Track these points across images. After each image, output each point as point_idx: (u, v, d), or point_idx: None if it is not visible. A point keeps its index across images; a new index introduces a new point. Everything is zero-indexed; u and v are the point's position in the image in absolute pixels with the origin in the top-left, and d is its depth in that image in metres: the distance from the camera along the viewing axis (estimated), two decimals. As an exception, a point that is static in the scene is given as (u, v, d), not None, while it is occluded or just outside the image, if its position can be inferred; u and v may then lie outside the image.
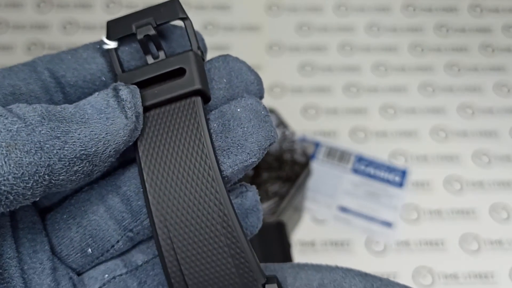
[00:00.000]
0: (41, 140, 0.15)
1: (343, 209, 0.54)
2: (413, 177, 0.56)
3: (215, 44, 0.64)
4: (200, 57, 0.19)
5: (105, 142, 0.16)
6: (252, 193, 0.19)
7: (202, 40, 0.20)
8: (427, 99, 0.61)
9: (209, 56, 0.20)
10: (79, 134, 0.16)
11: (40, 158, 0.15)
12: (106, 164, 0.17)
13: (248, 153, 0.18)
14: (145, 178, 0.18)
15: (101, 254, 0.19)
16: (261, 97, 0.20)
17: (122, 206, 0.19)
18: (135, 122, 0.17)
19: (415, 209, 0.55)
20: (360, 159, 0.56)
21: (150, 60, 0.19)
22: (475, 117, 0.60)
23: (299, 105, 0.61)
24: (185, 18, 0.19)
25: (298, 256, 0.52)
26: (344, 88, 0.62)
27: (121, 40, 0.19)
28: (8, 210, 0.15)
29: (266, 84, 0.21)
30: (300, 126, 0.58)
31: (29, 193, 0.15)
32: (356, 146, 0.58)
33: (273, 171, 0.46)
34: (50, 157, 0.15)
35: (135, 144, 0.18)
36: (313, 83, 0.62)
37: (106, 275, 0.19)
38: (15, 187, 0.15)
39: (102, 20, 0.65)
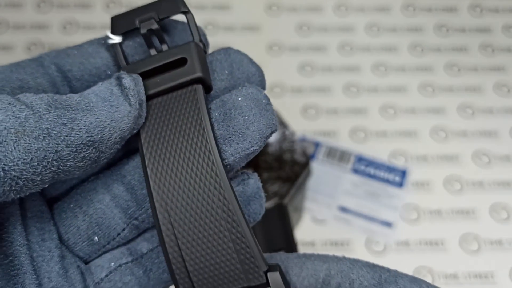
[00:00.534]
0: (49, 127, 0.16)
1: (343, 209, 0.54)
2: (413, 177, 0.56)
3: (215, 44, 0.64)
4: (202, 49, 0.20)
5: (111, 129, 0.17)
6: (254, 180, 0.20)
7: (204, 35, 0.21)
8: (427, 99, 0.61)
9: (209, 56, 0.20)
10: (85, 121, 0.16)
11: (48, 144, 0.16)
12: (112, 151, 0.18)
13: (249, 141, 0.18)
14: (146, 163, 0.18)
15: (107, 243, 0.20)
16: (263, 88, 0.20)
17: (127, 195, 0.19)
18: (139, 109, 0.18)
19: (415, 209, 0.55)
20: (360, 159, 0.56)
21: (153, 53, 0.20)
22: (475, 117, 0.60)
23: (299, 105, 0.61)
24: (187, 12, 0.20)
25: (298, 256, 0.52)
26: (344, 88, 0.62)
27: (125, 35, 0.20)
28: (18, 196, 0.16)
29: (266, 84, 0.21)
30: (300, 126, 0.58)
31: (38, 179, 0.16)
32: (356, 146, 0.58)
33: (273, 171, 0.46)
34: (57, 143, 0.16)
35: (137, 132, 0.19)
36: (313, 83, 0.62)
37: (112, 263, 0.19)
38: (24, 173, 0.15)
39: (102, 20, 0.65)
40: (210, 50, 0.21)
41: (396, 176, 0.55)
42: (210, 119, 0.18)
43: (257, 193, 0.19)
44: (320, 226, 0.54)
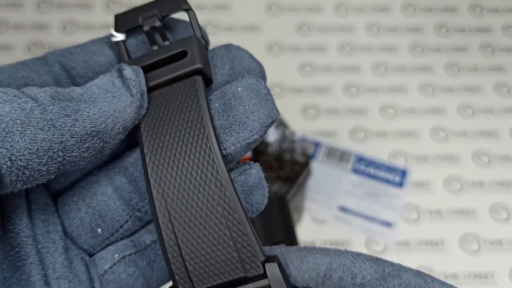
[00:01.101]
0: (53, 118, 0.16)
1: (343, 209, 0.54)
2: (413, 177, 0.56)
3: (215, 44, 0.64)
4: (203, 43, 0.20)
5: (113, 119, 0.17)
6: (256, 170, 0.19)
7: (206, 34, 0.21)
8: (427, 99, 0.61)
9: (209, 56, 0.21)
10: (88, 112, 0.17)
11: (53, 135, 0.16)
12: (116, 141, 0.18)
13: (250, 131, 0.18)
14: (145, 152, 0.18)
15: (111, 235, 0.20)
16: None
17: (129, 187, 0.20)
18: (141, 100, 0.18)
19: (415, 209, 0.55)
20: (360, 159, 0.56)
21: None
22: (475, 117, 0.60)
23: (299, 105, 0.61)
24: (188, 9, 0.20)
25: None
26: (344, 88, 0.62)
27: (128, 33, 0.20)
28: (24, 187, 0.16)
29: (267, 79, 0.21)
30: (300, 126, 0.58)
31: (44, 169, 0.16)
32: (356, 146, 0.58)
33: (273, 171, 0.46)
34: (62, 133, 0.16)
35: (138, 123, 0.19)
36: (313, 83, 0.62)
37: (116, 255, 0.20)
38: (31, 163, 0.16)
39: (102, 20, 0.65)
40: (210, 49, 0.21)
41: (396, 176, 0.55)
42: (209, 109, 0.18)
43: (259, 183, 0.19)
44: (320, 226, 0.54)
